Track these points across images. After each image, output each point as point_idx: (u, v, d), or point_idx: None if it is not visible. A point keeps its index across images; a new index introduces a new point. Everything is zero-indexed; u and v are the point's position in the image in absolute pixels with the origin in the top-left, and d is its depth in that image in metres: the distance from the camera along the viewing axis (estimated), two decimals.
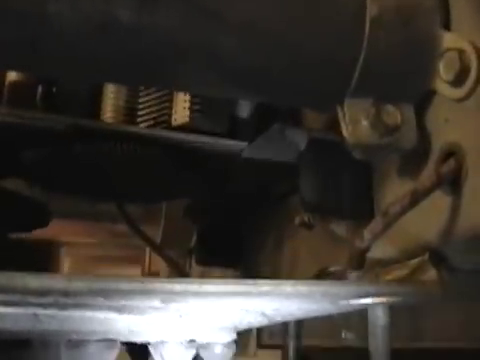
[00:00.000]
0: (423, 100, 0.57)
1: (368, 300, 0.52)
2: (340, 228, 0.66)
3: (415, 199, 0.52)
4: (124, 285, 0.44)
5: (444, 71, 0.54)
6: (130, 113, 0.75)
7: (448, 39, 0.54)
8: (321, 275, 0.69)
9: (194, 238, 0.94)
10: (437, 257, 0.56)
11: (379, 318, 0.55)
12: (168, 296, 0.46)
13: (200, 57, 0.53)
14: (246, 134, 0.74)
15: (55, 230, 0.94)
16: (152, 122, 0.74)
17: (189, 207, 0.89)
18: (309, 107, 0.64)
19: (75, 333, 0.64)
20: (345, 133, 0.56)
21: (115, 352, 0.66)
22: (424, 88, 0.56)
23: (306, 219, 0.74)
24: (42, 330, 0.60)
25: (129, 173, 0.75)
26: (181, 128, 0.73)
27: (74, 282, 0.42)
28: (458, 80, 0.54)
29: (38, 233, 0.84)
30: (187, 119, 0.72)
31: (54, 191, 0.78)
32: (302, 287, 0.46)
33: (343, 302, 0.50)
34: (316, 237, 0.75)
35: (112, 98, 0.75)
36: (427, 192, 0.52)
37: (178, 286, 0.45)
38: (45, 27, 0.49)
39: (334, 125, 0.62)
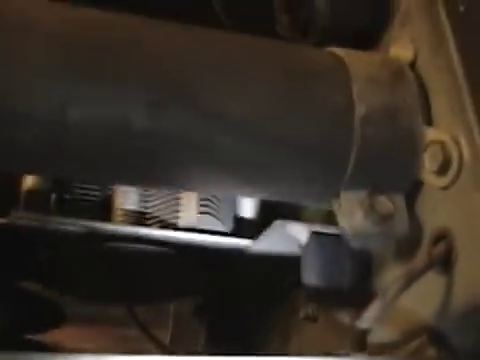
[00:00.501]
0: (412, 190, 0.62)
1: None
2: (344, 316, 0.70)
3: (410, 280, 0.56)
4: None
5: (429, 162, 0.60)
6: (139, 216, 0.81)
7: (431, 134, 0.61)
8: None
9: (203, 338, 0.97)
10: (436, 337, 0.60)
11: None
12: None
13: (203, 156, 0.59)
14: (250, 232, 0.80)
15: (63, 335, 0.97)
16: (160, 224, 0.80)
17: (198, 307, 0.93)
18: (306, 202, 0.69)
19: None
20: (341, 224, 0.61)
21: None
22: (412, 179, 0.62)
23: (310, 312, 0.78)
24: None
25: (139, 274, 0.79)
26: (188, 229, 0.78)
27: None
28: (442, 170, 0.59)
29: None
30: (194, 220, 0.78)
31: (68, 293, 0.82)
32: None
33: None
34: (322, 330, 0.78)
35: (121, 202, 0.81)
36: (421, 273, 0.57)
37: None
38: (65, 133, 0.55)
39: (332, 217, 0.68)
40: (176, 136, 0.57)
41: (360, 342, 0.57)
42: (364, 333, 0.57)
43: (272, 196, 0.65)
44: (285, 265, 0.77)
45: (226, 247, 0.78)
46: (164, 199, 0.80)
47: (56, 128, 0.54)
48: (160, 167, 0.59)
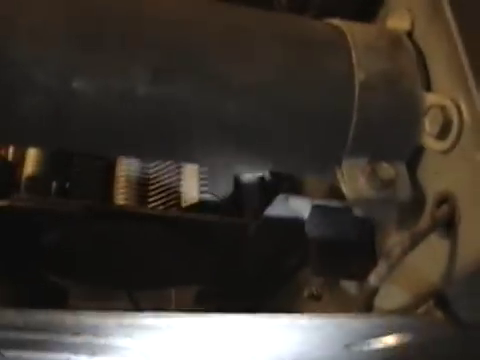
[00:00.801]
0: (414, 155, 0.63)
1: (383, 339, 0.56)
2: (350, 286, 0.70)
3: (414, 241, 0.57)
4: None
5: (429, 126, 0.61)
6: (141, 198, 0.82)
7: (430, 98, 0.61)
8: None
9: None
10: (442, 301, 0.60)
11: None
12: None
13: (207, 122, 0.59)
14: (251, 211, 0.81)
15: None
16: (162, 205, 0.80)
17: (201, 292, 0.93)
18: (309, 172, 0.70)
19: None
20: (345, 191, 0.62)
21: None
22: (414, 144, 0.63)
23: (314, 290, 0.78)
24: None
25: (139, 256, 0.80)
26: (190, 209, 0.79)
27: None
28: (442, 134, 0.60)
29: None
30: (196, 199, 0.79)
31: (69, 278, 0.83)
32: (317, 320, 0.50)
33: (356, 340, 0.54)
34: (326, 308, 0.79)
35: (124, 183, 0.82)
36: (425, 234, 0.58)
37: None
38: (69, 101, 0.56)
39: (334, 191, 0.68)
40: (181, 102, 0.58)
41: (366, 304, 0.58)
42: (370, 295, 0.58)
43: (274, 166, 0.66)
44: (290, 244, 0.78)
45: (228, 226, 0.79)
46: (166, 181, 0.81)
47: (60, 95, 0.55)
48: (164, 135, 0.59)
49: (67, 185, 0.86)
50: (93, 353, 0.51)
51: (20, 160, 0.85)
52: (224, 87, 0.59)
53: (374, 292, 0.58)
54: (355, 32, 0.64)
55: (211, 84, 0.58)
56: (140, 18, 0.58)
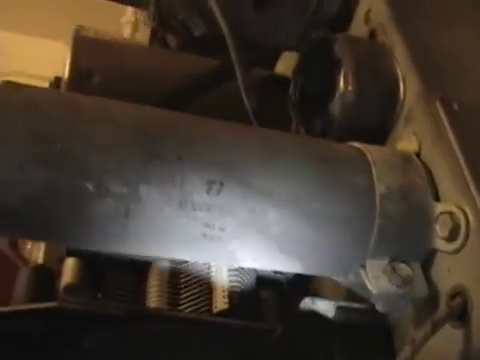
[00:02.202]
0: (428, 257, 0.75)
1: None
2: None
3: (434, 327, 0.68)
4: None
5: (440, 230, 0.73)
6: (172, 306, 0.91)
7: (439, 207, 0.74)
8: None
9: None
10: None
11: None
12: None
13: (252, 229, 0.71)
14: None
15: None
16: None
17: None
18: (337, 273, 0.80)
19: None
20: (369, 287, 0.73)
21: None
22: (427, 246, 0.74)
23: None
24: None
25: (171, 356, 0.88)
26: (220, 314, 0.89)
27: None
28: (452, 236, 0.72)
29: None
30: (226, 306, 0.89)
31: None
32: None
33: None
34: None
35: (156, 293, 0.92)
36: (443, 321, 0.68)
37: None
38: (137, 207, 0.67)
39: (353, 295, 0.79)
40: (229, 211, 0.70)
41: None
42: None
43: (304, 268, 0.77)
44: (315, 343, 0.87)
45: (253, 331, 0.88)
46: (197, 289, 0.91)
47: (128, 202, 0.67)
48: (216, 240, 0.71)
49: (99, 295, 0.95)
50: None
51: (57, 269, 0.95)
52: (265, 198, 0.71)
53: None
54: (373, 152, 0.77)
55: (255, 196, 0.71)
56: (194, 139, 0.72)
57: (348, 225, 0.73)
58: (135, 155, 0.67)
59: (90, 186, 0.66)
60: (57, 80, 1.05)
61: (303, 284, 0.93)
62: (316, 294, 0.91)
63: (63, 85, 0.99)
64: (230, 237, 0.71)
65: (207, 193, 0.69)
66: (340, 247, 0.74)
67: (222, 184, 0.69)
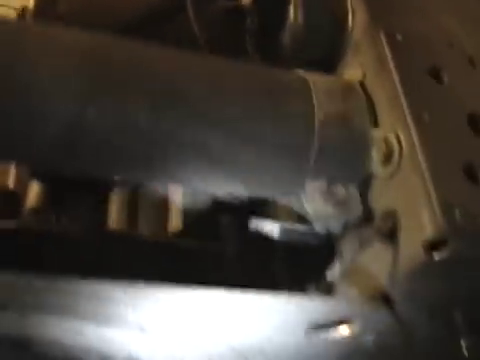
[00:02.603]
0: (364, 181, 0.79)
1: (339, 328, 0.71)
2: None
3: (363, 243, 0.73)
4: None
5: (376, 155, 0.78)
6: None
7: (376, 132, 0.78)
8: None
9: None
10: (387, 300, 0.75)
11: None
12: None
13: (192, 152, 0.75)
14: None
15: None
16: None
17: None
18: (278, 194, 0.85)
19: None
20: (306, 208, 0.78)
21: None
22: (363, 171, 0.79)
23: None
24: None
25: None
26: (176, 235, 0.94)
27: None
28: (386, 161, 0.76)
29: None
30: (180, 227, 0.94)
31: None
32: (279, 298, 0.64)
33: (315, 324, 0.68)
34: None
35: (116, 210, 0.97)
36: (371, 238, 0.73)
37: None
38: (82, 131, 0.71)
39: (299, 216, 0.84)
40: (169, 131, 0.74)
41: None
42: (327, 291, 0.73)
43: (246, 189, 0.81)
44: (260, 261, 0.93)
45: (205, 252, 0.93)
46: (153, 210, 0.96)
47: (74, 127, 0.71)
48: (156, 158, 0.75)
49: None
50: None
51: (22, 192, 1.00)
52: (203, 120, 0.75)
53: (330, 288, 0.73)
54: (316, 80, 0.81)
55: (193, 118, 0.75)
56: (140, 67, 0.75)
57: (287, 149, 0.77)
58: (80, 78, 0.71)
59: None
60: (24, 10, 1.07)
61: (258, 207, 0.98)
62: (269, 216, 0.96)
63: (28, 14, 1.02)
64: (173, 160, 0.76)
65: (148, 118, 0.73)
66: (280, 170, 0.78)
67: (164, 109, 0.74)
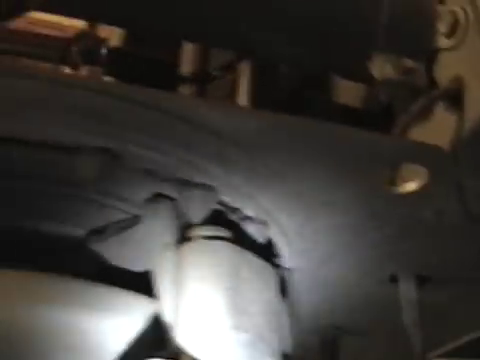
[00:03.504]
0: (430, 53, 0.84)
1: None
2: None
3: (430, 101, 0.79)
4: None
5: (442, 27, 0.83)
6: None
7: (443, 7, 0.84)
8: None
9: None
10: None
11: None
12: None
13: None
14: None
15: None
16: None
17: None
18: (346, 65, 0.90)
19: None
20: (374, 74, 0.83)
21: None
22: (429, 44, 0.84)
23: None
24: None
25: None
26: None
27: None
28: (452, 33, 0.82)
29: None
30: None
31: None
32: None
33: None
34: None
35: None
36: (438, 97, 0.79)
37: None
38: None
39: None
40: None
41: None
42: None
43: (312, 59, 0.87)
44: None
45: None
46: None
47: None
48: None
49: None
50: None
51: None
52: None
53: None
54: None
55: None
56: None
57: (356, 21, 0.83)
58: None
59: None
60: None
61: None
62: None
63: None
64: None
65: None
66: (349, 40, 0.84)
67: None
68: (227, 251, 0.65)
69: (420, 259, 0.89)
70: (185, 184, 0.69)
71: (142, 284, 0.70)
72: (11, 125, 0.61)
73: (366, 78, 0.84)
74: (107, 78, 1.05)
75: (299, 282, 0.87)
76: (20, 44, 1.10)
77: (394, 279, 0.92)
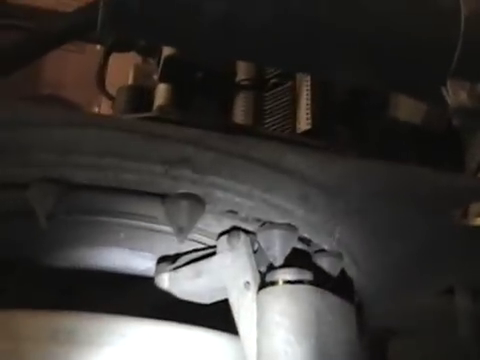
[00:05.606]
0: None
1: None
2: None
3: None
4: None
5: None
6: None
7: None
8: None
9: None
10: None
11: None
12: None
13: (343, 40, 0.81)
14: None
15: None
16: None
17: None
18: (420, 89, 0.91)
19: None
20: (449, 101, 0.83)
21: None
22: None
23: None
24: None
25: None
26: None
27: None
28: None
29: None
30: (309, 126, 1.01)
31: None
32: None
33: None
34: None
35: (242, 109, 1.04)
36: None
37: None
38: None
39: None
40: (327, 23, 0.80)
41: None
42: None
43: (392, 85, 0.87)
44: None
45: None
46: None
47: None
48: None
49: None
50: None
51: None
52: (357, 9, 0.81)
53: None
54: None
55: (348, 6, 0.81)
56: None
57: (432, 44, 0.83)
58: None
59: None
60: None
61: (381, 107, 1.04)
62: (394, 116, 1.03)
63: None
64: (325, 48, 0.82)
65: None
66: (423, 65, 0.84)
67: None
68: (311, 297, 0.67)
69: (477, 274, 0.90)
70: (265, 224, 0.70)
71: (208, 317, 0.72)
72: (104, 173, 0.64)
73: (437, 101, 0.85)
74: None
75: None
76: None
77: (450, 291, 0.94)
